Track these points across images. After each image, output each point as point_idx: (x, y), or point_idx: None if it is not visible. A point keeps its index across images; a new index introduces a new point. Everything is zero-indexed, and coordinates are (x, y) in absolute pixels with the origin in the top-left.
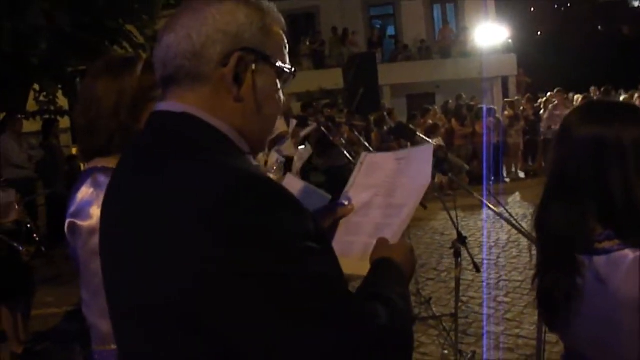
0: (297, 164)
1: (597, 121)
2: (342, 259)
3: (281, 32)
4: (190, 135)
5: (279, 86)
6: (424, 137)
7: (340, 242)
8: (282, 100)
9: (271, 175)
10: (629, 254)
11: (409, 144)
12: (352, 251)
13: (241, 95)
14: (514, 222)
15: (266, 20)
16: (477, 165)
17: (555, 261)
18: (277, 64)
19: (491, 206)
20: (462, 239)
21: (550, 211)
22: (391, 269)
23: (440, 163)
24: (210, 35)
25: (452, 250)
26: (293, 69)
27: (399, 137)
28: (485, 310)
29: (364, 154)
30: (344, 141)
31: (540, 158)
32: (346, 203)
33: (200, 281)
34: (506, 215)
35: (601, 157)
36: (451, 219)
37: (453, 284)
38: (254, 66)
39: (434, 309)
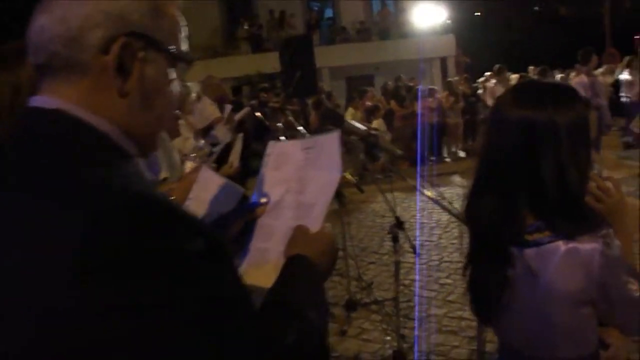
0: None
1: (528, 104)
2: (256, 270)
3: (177, 14)
4: (62, 139)
5: (172, 77)
6: (353, 122)
7: (255, 249)
8: (177, 93)
9: (189, 165)
10: (561, 245)
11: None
12: (267, 260)
13: (126, 88)
14: (447, 206)
15: (160, 1)
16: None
17: (486, 253)
18: (171, 51)
19: (425, 192)
20: (399, 224)
21: (480, 201)
22: (304, 269)
23: (371, 148)
24: (90, 16)
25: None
26: (190, 57)
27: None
28: (426, 293)
29: (270, 143)
30: (281, 125)
31: (480, 137)
32: (262, 200)
33: (54, 330)
34: (441, 199)
35: (533, 143)
36: (388, 203)
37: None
38: (142, 54)
39: (375, 294)
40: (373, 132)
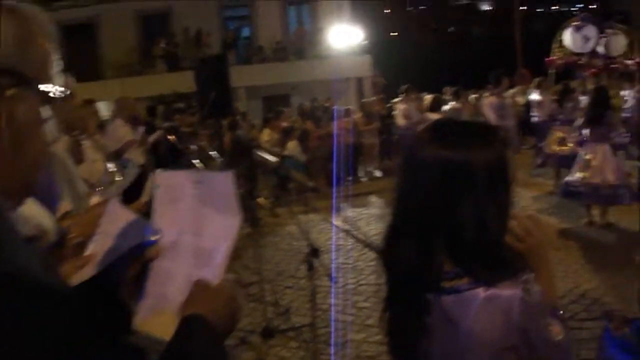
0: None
1: (445, 143)
2: (154, 317)
3: (48, 45)
4: None
5: (45, 116)
6: (263, 153)
7: (152, 294)
8: (50, 132)
9: (95, 199)
10: (480, 292)
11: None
12: (165, 308)
13: None
14: (358, 235)
15: (27, 30)
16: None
17: (404, 299)
18: (42, 88)
19: (337, 222)
20: (313, 252)
21: (397, 245)
22: (201, 331)
23: (281, 179)
24: None
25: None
26: (65, 94)
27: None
28: (344, 318)
29: (158, 172)
30: (195, 148)
31: (395, 156)
32: (154, 238)
33: None
34: (354, 227)
35: (449, 184)
36: (301, 230)
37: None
38: (10, 92)
39: (293, 320)
40: (287, 154)
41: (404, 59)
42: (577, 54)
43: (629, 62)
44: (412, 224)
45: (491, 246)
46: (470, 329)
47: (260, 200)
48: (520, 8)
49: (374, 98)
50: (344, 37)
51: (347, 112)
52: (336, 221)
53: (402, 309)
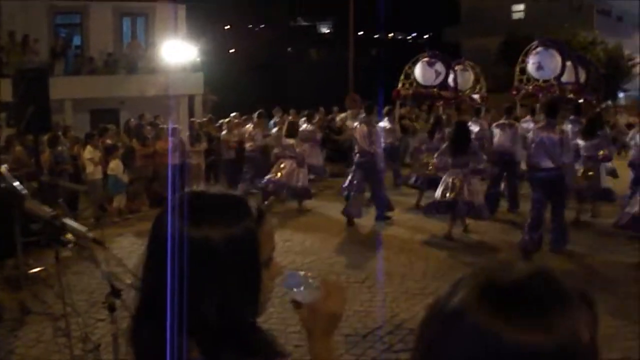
0: None
1: (188, 218)
2: None
3: None
4: None
5: None
6: (36, 205)
7: None
8: None
9: None
10: None
11: None
12: None
13: None
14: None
15: None
16: (158, 186)
17: None
18: None
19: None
20: (115, 293)
21: (142, 328)
22: None
23: (53, 235)
24: None
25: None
26: None
27: None
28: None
29: None
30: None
31: (222, 178)
32: None
33: None
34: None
35: (190, 264)
36: (107, 263)
37: None
38: None
39: (103, 358)
40: (110, 173)
41: (241, 77)
42: (426, 87)
43: (476, 95)
44: (157, 306)
45: (238, 331)
46: None
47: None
48: (358, 33)
49: (204, 117)
50: (178, 52)
51: (175, 131)
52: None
53: None
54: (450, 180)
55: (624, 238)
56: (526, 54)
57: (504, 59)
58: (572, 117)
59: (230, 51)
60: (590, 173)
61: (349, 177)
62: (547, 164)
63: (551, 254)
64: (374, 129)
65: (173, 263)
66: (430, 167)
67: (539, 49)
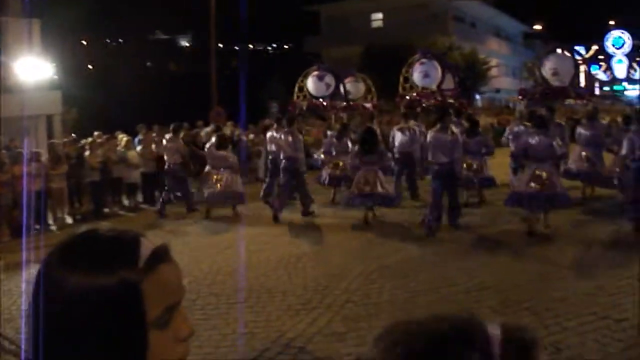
0: None
1: (67, 263)
2: None
3: None
4: None
5: None
6: None
7: None
8: None
9: None
10: None
11: None
12: None
13: None
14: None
15: None
16: (19, 215)
17: None
18: None
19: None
20: None
21: None
22: None
23: None
24: None
25: None
26: None
27: None
28: None
29: None
30: None
31: (87, 200)
32: None
33: None
34: None
35: (65, 315)
36: None
37: None
38: None
39: None
40: None
41: (101, 94)
42: (318, 98)
43: (368, 104)
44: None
45: None
46: None
47: None
48: (218, 45)
49: (65, 138)
50: (33, 70)
51: (35, 155)
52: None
53: None
54: (364, 176)
55: (508, 214)
56: (410, 65)
57: (366, 67)
58: (454, 119)
59: (88, 67)
60: (475, 165)
61: (268, 182)
62: (442, 159)
63: (454, 227)
64: (298, 138)
65: (50, 310)
66: (341, 167)
67: (423, 60)
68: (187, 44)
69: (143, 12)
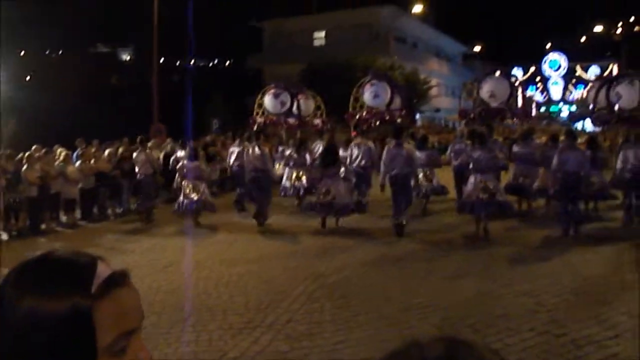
0: None
1: (21, 287)
2: None
3: None
4: None
5: None
6: None
7: None
8: None
9: None
10: None
11: None
12: None
13: None
14: None
15: None
16: None
17: None
18: None
19: None
20: None
21: None
22: None
23: None
24: None
25: None
26: None
27: None
28: None
29: None
30: None
31: (24, 216)
32: None
33: None
34: None
35: (21, 342)
36: None
37: None
38: None
39: None
40: None
41: (41, 107)
42: (275, 115)
43: (317, 120)
44: None
45: None
46: None
47: None
48: (160, 60)
49: (1, 152)
50: None
51: None
52: None
53: None
54: (325, 186)
55: (460, 219)
56: (360, 86)
57: (307, 84)
58: (393, 141)
59: (27, 79)
60: (428, 174)
61: (239, 192)
62: (399, 170)
63: (419, 227)
64: (266, 151)
65: (6, 336)
66: (302, 178)
67: (374, 81)
68: (129, 57)
69: (85, 24)
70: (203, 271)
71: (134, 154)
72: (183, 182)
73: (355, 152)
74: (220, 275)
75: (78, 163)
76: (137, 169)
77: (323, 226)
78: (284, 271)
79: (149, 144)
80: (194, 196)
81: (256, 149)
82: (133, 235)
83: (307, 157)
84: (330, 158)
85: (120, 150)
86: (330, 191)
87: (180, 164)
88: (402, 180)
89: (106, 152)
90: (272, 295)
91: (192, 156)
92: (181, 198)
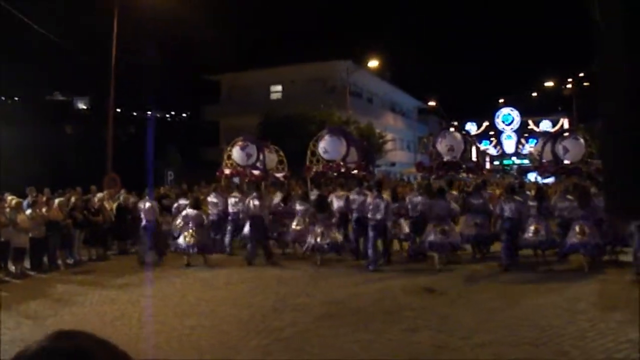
0: None
1: None
2: None
3: None
4: None
5: None
6: None
7: None
8: None
9: None
10: None
11: None
12: None
13: None
14: None
15: None
16: None
17: None
18: None
19: None
20: None
21: None
22: None
23: None
24: None
25: None
26: None
27: None
28: None
29: None
30: None
31: None
32: None
33: None
34: None
35: None
36: None
37: None
38: None
39: None
40: None
41: None
42: (242, 166)
43: (279, 174)
44: None
45: None
46: None
47: None
48: (116, 110)
49: None
50: None
51: None
52: None
53: None
54: (320, 230)
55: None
56: (317, 140)
57: (263, 137)
58: (357, 188)
59: None
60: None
61: (229, 230)
62: (377, 216)
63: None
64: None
65: None
66: (292, 226)
67: (327, 136)
68: (85, 107)
69: (43, 72)
70: (154, 324)
71: (141, 205)
72: (184, 228)
73: (336, 202)
74: (172, 329)
75: (29, 211)
76: (142, 216)
77: (316, 264)
78: (237, 324)
79: (103, 194)
80: (193, 240)
81: (255, 198)
82: (83, 287)
83: (298, 206)
84: (322, 206)
85: (73, 199)
86: (323, 233)
87: (184, 212)
88: (381, 227)
89: (56, 201)
90: (225, 350)
91: (194, 205)
92: (180, 240)
